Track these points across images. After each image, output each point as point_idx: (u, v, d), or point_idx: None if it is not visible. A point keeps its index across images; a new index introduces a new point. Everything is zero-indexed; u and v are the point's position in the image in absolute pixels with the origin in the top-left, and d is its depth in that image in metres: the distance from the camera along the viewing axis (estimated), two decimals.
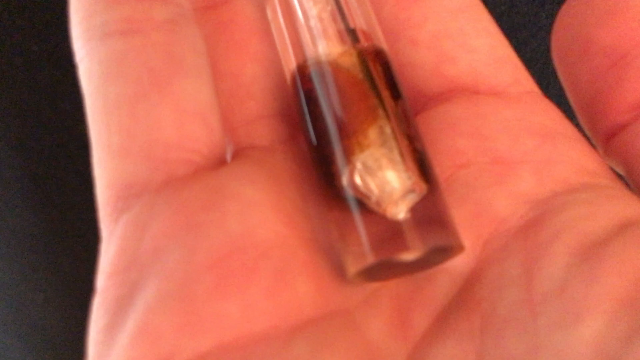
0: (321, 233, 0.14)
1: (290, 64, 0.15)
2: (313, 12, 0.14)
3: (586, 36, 0.15)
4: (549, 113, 0.15)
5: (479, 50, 0.16)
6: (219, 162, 0.14)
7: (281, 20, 0.15)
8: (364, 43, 0.14)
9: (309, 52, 0.14)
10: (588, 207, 0.13)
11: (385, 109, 0.14)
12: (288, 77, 0.15)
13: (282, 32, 0.15)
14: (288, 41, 0.15)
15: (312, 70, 0.14)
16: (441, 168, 0.15)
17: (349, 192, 0.13)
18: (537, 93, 0.16)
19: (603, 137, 0.15)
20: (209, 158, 0.14)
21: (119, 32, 0.13)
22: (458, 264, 0.14)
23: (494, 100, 0.15)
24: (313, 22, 0.14)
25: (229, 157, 0.15)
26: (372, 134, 0.13)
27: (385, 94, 0.14)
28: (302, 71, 0.14)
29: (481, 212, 0.14)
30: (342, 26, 0.14)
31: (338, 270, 0.14)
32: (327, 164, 0.13)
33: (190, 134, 0.13)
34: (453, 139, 0.15)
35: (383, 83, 0.14)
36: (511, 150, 0.15)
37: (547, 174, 0.14)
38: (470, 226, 0.14)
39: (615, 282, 0.12)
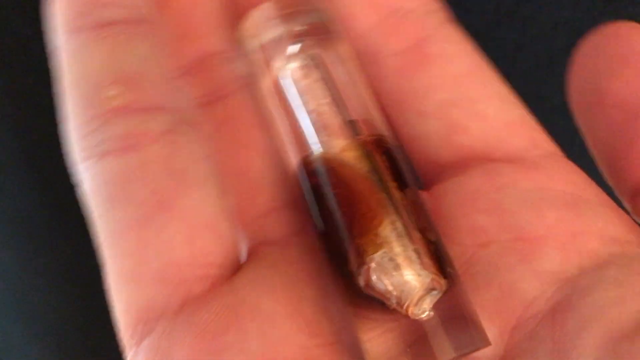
0: (345, 333, 0.14)
1: (293, 158, 0.15)
2: (311, 106, 0.14)
3: (600, 88, 0.14)
4: (570, 177, 0.15)
5: (490, 115, 0.15)
6: (234, 266, 0.14)
7: (281, 114, 0.15)
8: (365, 134, 0.14)
9: (312, 146, 0.14)
10: (617, 290, 0.13)
11: (394, 203, 0.13)
12: (292, 171, 0.15)
13: (282, 125, 0.15)
14: (290, 135, 0.15)
15: (317, 166, 0.14)
16: (462, 248, 0.14)
17: (369, 292, 0.13)
18: (557, 154, 0.15)
19: (628, 195, 0.14)
20: (223, 267, 0.14)
21: (118, 150, 0.13)
22: (487, 354, 0.13)
23: (511, 168, 0.15)
24: (313, 116, 0.14)
25: (243, 252, 0.15)
26: (384, 231, 0.13)
27: (393, 185, 0.14)
28: (307, 166, 0.14)
29: (507, 295, 0.14)
30: (341, 118, 0.14)
31: None
32: (343, 263, 0.13)
33: (203, 248, 0.13)
34: (472, 215, 0.14)
35: (389, 174, 0.14)
36: (533, 225, 0.14)
37: (573, 248, 0.14)
38: (497, 311, 0.13)
39: None
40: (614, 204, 0.15)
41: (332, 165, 0.14)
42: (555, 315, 0.13)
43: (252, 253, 0.15)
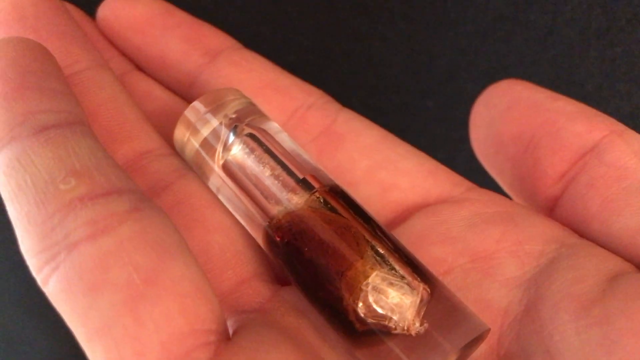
0: None
1: (257, 224, 0.15)
2: (266, 173, 0.15)
3: (496, 131, 0.17)
4: (496, 200, 0.17)
5: (412, 170, 0.18)
6: (227, 332, 0.14)
7: (233, 192, 0.16)
8: (319, 186, 0.15)
9: (276, 209, 0.15)
10: (573, 272, 0.14)
11: (369, 233, 0.14)
12: (259, 237, 0.16)
13: (237, 202, 0.16)
14: (248, 207, 0.16)
15: (288, 221, 0.15)
16: None
17: (368, 320, 0.13)
18: (475, 187, 0.18)
19: (546, 212, 0.17)
20: (219, 332, 0.13)
21: (89, 237, 0.13)
22: None
23: (446, 206, 0.17)
24: (269, 183, 0.15)
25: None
26: (369, 259, 0.14)
27: (359, 220, 0.15)
28: (277, 225, 0.15)
29: (483, 310, 0.15)
30: (294, 179, 0.15)
31: None
32: (335, 303, 0.14)
33: (198, 316, 0.13)
34: (427, 249, 0.16)
35: (352, 212, 0.15)
36: (484, 244, 0.16)
37: (523, 253, 0.15)
38: None
39: (635, 342, 0.12)
40: (539, 214, 0.17)
41: (301, 217, 0.15)
42: (531, 311, 0.14)
43: (237, 320, 0.15)
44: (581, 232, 0.16)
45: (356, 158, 0.18)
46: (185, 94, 0.20)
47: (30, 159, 0.13)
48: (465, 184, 0.18)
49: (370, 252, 0.14)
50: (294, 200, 0.15)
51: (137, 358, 0.12)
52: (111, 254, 0.12)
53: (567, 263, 0.15)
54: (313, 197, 0.15)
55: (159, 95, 0.19)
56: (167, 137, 0.18)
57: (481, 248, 0.16)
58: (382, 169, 0.18)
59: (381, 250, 0.14)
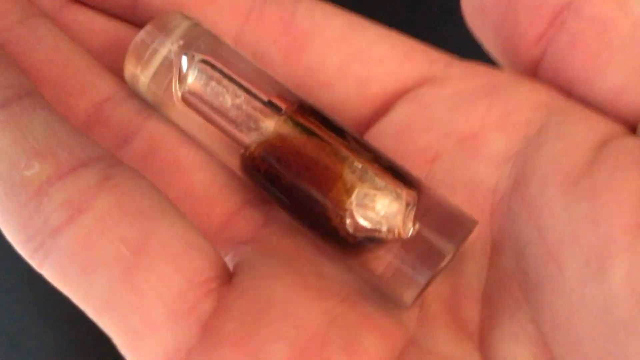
0: (354, 283, 0.14)
1: (231, 155, 0.15)
2: (228, 104, 0.15)
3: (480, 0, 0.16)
4: (477, 72, 0.16)
5: (385, 56, 0.16)
6: (228, 271, 0.14)
7: (200, 125, 0.15)
8: (285, 106, 0.15)
9: (247, 138, 0.15)
10: (561, 143, 0.14)
11: (343, 149, 0.14)
12: (236, 166, 0.15)
13: (207, 134, 0.15)
14: (219, 139, 0.15)
15: (262, 151, 0.14)
16: (417, 170, 0.15)
17: (359, 235, 0.13)
18: (453, 61, 0.17)
19: (530, 75, 0.16)
20: (221, 276, 0.14)
21: (68, 220, 0.12)
22: (477, 247, 0.14)
23: (427, 88, 0.16)
24: (233, 112, 0.15)
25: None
26: (348, 175, 0.14)
27: (332, 136, 0.14)
28: (252, 156, 0.14)
29: (473, 191, 0.15)
30: (259, 103, 0.15)
31: (387, 307, 0.14)
32: (323, 224, 0.14)
33: (195, 269, 0.13)
34: (413, 139, 0.15)
35: (325, 128, 0.14)
36: (468, 122, 0.15)
37: (511, 125, 0.15)
38: (471, 207, 0.14)
39: (621, 215, 0.12)
40: (524, 78, 0.16)
41: (274, 145, 0.14)
42: (520, 186, 0.14)
43: (236, 255, 0.15)
44: (565, 94, 0.15)
45: (325, 56, 0.17)
46: (131, 17, 0.18)
47: None
48: (443, 59, 0.17)
49: (349, 169, 0.14)
50: (264, 125, 0.14)
51: (147, 324, 0.12)
52: (94, 232, 0.12)
53: (555, 132, 0.14)
54: (281, 119, 0.14)
55: (103, 28, 0.18)
56: (122, 71, 0.17)
57: (467, 127, 0.15)
58: (354, 62, 0.16)
59: (359, 165, 0.14)
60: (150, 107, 0.16)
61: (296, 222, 0.15)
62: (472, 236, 0.14)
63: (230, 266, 0.14)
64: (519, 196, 0.14)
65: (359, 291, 0.14)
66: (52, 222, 0.12)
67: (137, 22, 0.18)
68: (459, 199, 0.15)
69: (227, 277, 0.14)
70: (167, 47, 0.15)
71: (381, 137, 0.16)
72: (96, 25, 0.18)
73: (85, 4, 0.18)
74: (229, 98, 0.15)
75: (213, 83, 0.15)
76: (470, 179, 0.15)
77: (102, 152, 0.14)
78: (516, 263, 0.14)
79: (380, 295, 0.14)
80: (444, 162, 0.15)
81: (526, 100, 0.15)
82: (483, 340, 0.14)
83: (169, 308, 0.13)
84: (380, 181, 0.14)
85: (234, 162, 0.15)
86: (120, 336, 0.13)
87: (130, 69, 0.16)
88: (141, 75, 0.16)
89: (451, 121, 0.15)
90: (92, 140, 0.14)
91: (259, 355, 0.13)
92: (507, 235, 0.14)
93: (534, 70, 0.16)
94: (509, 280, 0.14)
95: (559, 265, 0.12)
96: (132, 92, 0.16)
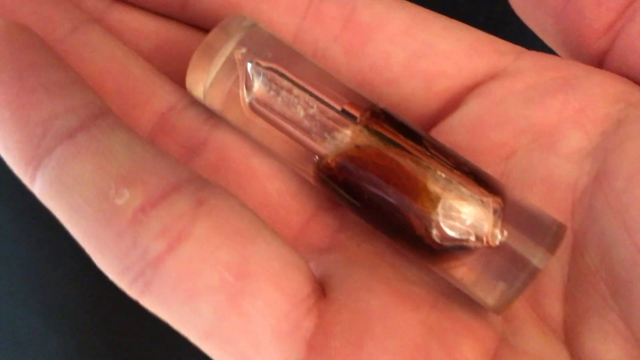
0: (438, 285, 0.14)
1: (304, 164, 0.15)
2: (301, 114, 0.14)
3: None
4: (549, 64, 0.16)
5: (453, 50, 0.16)
6: (320, 289, 0.14)
7: (270, 134, 0.15)
8: (359, 114, 0.14)
9: (323, 149, 0.14)
10: None
11: (425, 157, 0.14)
12: (309, 175, 0.15)
13: (278, 143, 0.15)
14: (292, 148, 0.15)
15: (340, 161, 0.14)
16: (492, 167, 0.15)
17: (446, 244, 0.13)
18: (523, 51, 0.16)
19: (596, 66, 0.15)
20: (316, 291, 0.14)
21: (167, 250, 0.12)
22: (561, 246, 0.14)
23: (498, 83, 0.16)
24: (307, 123, 0.14)
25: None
26: (432, 186, 0.13)
27: (411, 144, 0.14)
28: (329, 166, 0.14)
29: (552, 188, 0.14)
30: (332, 112, 0.14)
31: (474, 307, 0.14)
32: (408, 232, 0.14)
33: (293, 288, 0.13)
34: (487, 135, 0.15)
35: (402, 136, 0.14)
36: (544, 118, 0.15)
37: (587, 120, 0.14)
38: (551, 204, 0.14)
39: None
40: (596, 68, 0.15)
41: (352, 155, 0.14)
42: (602, 182, 0.14)
43: (320, 264, 0.15)
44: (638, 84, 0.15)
45: (390, 51, 0.16)
46: (179, 16, 0.17)
47: (72, 177, 0.12)
48: (513, 50, 0.16)
49: (432, 178, 0.14)
50: (339, 135, 0.14)
51: (255, 347, 0.13)
52: (196, 259, 0.12)
53: (636, 128, 0.14)
54: (357, 129, 0.14)
55: (152, 29, 0.17)
56: (178, 75, 0.16)
57: (543, 123, 0.15)
58: (421, 57, 0.16)
59: (443, 174, 0.14)
60: (215, 114, 0.16)
61: (374, 228, 0.15)
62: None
63: (316, 274, 0.14)
64: (602, 193, 0.14)
65: (446, 294, 0.14)
66: (151, 252, 0.12)
67: (186, 22, 0.17)
68: (537, 196, 0.14)
69: (321, 291, 0.14)
70: (233, 54, 0.15)
71: (452, 133, 0.16)
72: (144, 27, 0.17)
73: (130, 4, 0.17)
74: (302, 108, 0.15)
75: (284, 92, 0.15)
76: (548, 175, 0.15)
77: (189, 173, 0.13)
78: (601, 261, 0.13)
79: (466, 296, 0.14)
80: (520, 159, 0.15)
81: (602, 94, 0.15)
82: (570, 338, 0.14)
83: (275, 330, 0.13)
84: (465, 190, 0.14)
85: (307, 171, 0.15)
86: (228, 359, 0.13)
87: (196, 75, 0.15)
88: (207, 82, 0.15)
89: (526, 117, 0.15)
90: (176, 161, 0.14)
91: None
92: (589, 232, 0.14)
93: (600, 62, 0.16)
94: (594, 278, 0.14)
95: None
96: (193, 100, 0.16)
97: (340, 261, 0.15)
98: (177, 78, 0.16)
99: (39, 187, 0.13)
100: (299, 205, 0.16)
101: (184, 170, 0.13)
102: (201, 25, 0.17)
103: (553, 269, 0.14)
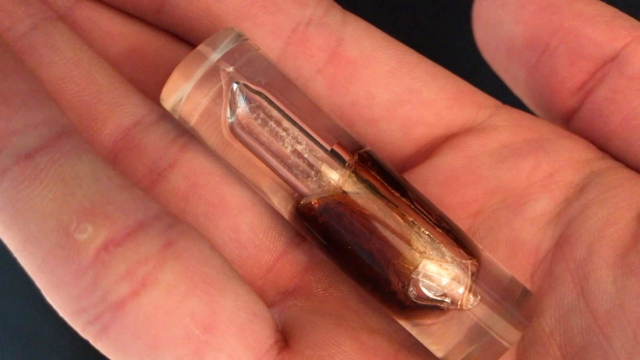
0: (397, 336, 0.14)
1: (282, 199, 0.14)
2: (286, 148, 0.14)
3: (506, 33, 0.16)
4: (523, 123, 0.16)
5: (435, 98, 0.16)
6: (283, 337, 0.14)
7: (248, 164, 0.14)
8: (348, 158, 0.14)
9: (304, 185, 0.14)
10: (603, 210, 0.14)
11: (409, 213, 0.14)
12: (285, 211, 0.14)
13: (255, 174, 0.14)
14: (269, 182, 0.14)
15: (323, 205, 0.14)
16: (460, 223, 0.15)
17: (421, 303, 0.13)
18: (500, 106, 0.16)
19: (562, 122, 0.16)
20: (277, 341, 0.13)
21: (130, 295, 0.11)
22: None
23: (474, 138, 0.16)
24: (292, 159, 0.14)
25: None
26: (415, 243, 0.13)
27: (397, 196, 0.14)
28: (310, 207, 0.14)
29: (516, 250, 0.15)
30: (321, 151, 0.14)
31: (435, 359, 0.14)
32: (382, 285, 0.13)
33: (258, 341, 0.13)
34: (458, 191, 0.15)
35: (389, 187, 0.14)
36: (514, 180, 0.15)
37: (555, 186, 0.15)
38: (513, 265, 0.15)
39: None
40: (564, 130, 0.16)
41: (337, 200, 0.14)
42: (563, 249, 0.14)
43: (284, 309, 0.14)
44: (600, 147, 0.16)
45: (374, 92, 0.16)
46: (153, 21, 0.16)
47: (28, 203, 0.11)
48: (490, 104, 0.16)
49: (415, 237, 0.13)
50: (325, 177, 0.14)
51: None
52: (161, 308, 0.11)
53: (597, 196, 0.14)
54: (345, 174, 0.14)
55: (122, 31, 0.16)
56: (147, 85, 0.15)
57: (513, 185, 0.15)
58: (403, 103, 0.16)
59: (426, 230, 0.14)
60: (186, 132, 0.15)
61: (344, 274, 0.15)
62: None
63: (279, 320, 0.14)
64: (563, 260, 0.14)
65: (406, 345, 0.14)
66: (113, 296, 0.11)
67: (160, 27, 0.16)
68: (500, 256, 0.15)
69: (284, 341, 0.13)
70: (220, 71, 0.14)
71: (424, 183, 0.16)
72: (114, 28, 0.16)
73: (100, 1, 0.16)
74: (289, 142, 0.14)
75: (271, 123, 0.14)
76: (513, 237, 0.15)
77: (158, 208, 0.12)
78: (557, 325, 0.14)
79: (424, 349, 0.14)
80: (487, 217, 0.15)
81: (569, 159, 0.15)
82: None
83: None
84: (447, 251, 0.14)
85: (283, 206, 0.14)
86: None
87: (176, 89, 0.14)
88: (187, 97, 0.14)
89: (497, 177, 0.15)
90: (143, 194, 0.12)
91: None
92: (547, 296, 0.14)
93: (567, 119, 0.16)
94: (548, 341, 0.14)
95: (607, 336, 0.13)
96: (161, 114, 0.15)
97: (306, 308, 0.14)
98: (146, 88, 0.15)
99: None
100: (269, 242, 0.15)
101: (152, 206, 0.12)
102: (176, 33, 0.16)
103: None
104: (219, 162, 0.15)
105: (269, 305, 0.14)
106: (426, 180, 0.16)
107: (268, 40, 0.16)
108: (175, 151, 0.15)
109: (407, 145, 0.16)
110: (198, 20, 0.15)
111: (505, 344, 0.13)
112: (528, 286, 0.15)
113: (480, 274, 0.14)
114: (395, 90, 0.16)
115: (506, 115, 0.16)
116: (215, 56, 0.14)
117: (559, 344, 0.14)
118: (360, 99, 0.16)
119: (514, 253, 0.15)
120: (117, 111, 0.14)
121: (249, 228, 0.15)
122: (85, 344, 0.13)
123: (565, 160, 0.15)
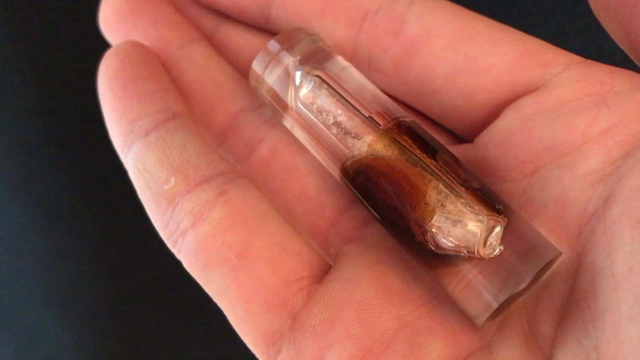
0: (435, 289, 0.16)
1: (335, 164, 0.17)
2: (330, 120, 0.16)
3: None
4: (594, 78, 0.15)
5: (495, 64, 0.16)
6: (323, 269, 0.16)
7: (311, 136, 0.17)
8: (383, 123, 0.16)
9: (345, 154, 0.16)
10: None
11: (431, 171, 0.15)
12: (338, 177, 0.17)
13: (316, 145, 0.17)
14: (325, 150, 0.17)
15: (356, 166, 0.16)
16: (515, 183, 0.16)
17: (441, 252, 0.14)
18: (573, 63, 0.16)
19: None
20: (312, 275, 0.16)
21: (191, 226, 0.16)
22: (564, 264, 0.15)
23: (533, 98, 0.16)
24: (334, 129, 0.16)
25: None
26: (431, 198, 0.15)
27: (423, 156, 0.15)
28: (347, 172, 0.16)
29: (564, 209, 0.15)
30: (359, 119, 0.16)
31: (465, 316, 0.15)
32: (410, 238, 0.15)
33: (288, 270, 0.16)
34: (514, 152, 0.16)
35: (416, 148, 0.15)
36: (569, 137, 0.15)
37: (613, 141, 0.14)
38: (561, 225, 0.15)
39: None
40: None
41: (367, 163, 0.16)
42: (605, 210, 0.14)
43: (337, 254, 0.17)
44: None
45: (433, 65, 0.17)
46: (265, 28, 0.20)
47: (142, 164, 0.17)
48: (561, 61, 0.16)
49: (434, 191, 0.15)
50: (362, 140, 0.16)
51: (248, 313, 0.16)
52: (209, 237, 0.16)
53: None
54: (377, 137, 0.16)
55: (247, 42, 0.20)
56: None
57: (567, 142, 0.15)
58: (462, 71, 0.17)
59: (444, 188, 0.14)
60: (273, 118, 0.19)
61: (385, 230, 0.16)
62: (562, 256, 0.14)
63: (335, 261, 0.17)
64: (603, 220, 0.14)
65: (442, 296, 0.15)
66: (182, 226, 0.16)
67: (272, 33, 0.20)
68: (550, 215, 0.15)
69: (320, 276, 0.16)
70: (286, 61, 0.17)
71: (484, 147, 0.16)
72: (242, 40, 0.20)
73: (236, 20, 0.20)
74: (334, 113, 0.16)
75: (322, 98, 0.17)
76: (562, 196, 0.15)
77: (224, 167, 0.17)
78: (591, 286, 0.14)
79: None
80: (541, 176, 0.15)
81: (636, 113, 0.15)
82: (552, 356, 0.14)
83: (265, 301, 0.15)
84: (461, 206, 0.14)
85: (336, 171, 0.17)
86: (231, 318, 0.16)
87: (254, 79, 0.18)
88: (263, 85, 0.18)
89: (551, 136, 0.15)
90: (217, 157, 0.17)
91: (330, 348, 0.15)
92: (586, 257, 0.14)
93: None
94: (583, 302, 0.14)
95: (619, 298, 0.13)
96: (262, 103, 0.19)
97: (353, 252, 0.17)
98: None
99: (127, 167, 0.17)
100: (332, 200, 0.18)
101: (218, 165, 0.17)
102: None
103: (556, 288, 0.14)
104: (295, 137, 0.18)
105: (333, 250, 0.17)
106: (486, 145, 0.16)
107: (343, 31, 0.18)
108: (266, 130, 0.19)
109: (471, 113, 0.17)
110: (296, 23, 0.19)
111: (522, 284, 0.14)
112: (571, 244, 0.14)
113: (508, 230, 0.14)
114: (452, 60, 0.17)
115: (576, 71, 0.16)
116: (282, 49, 0.17)
117: (590, 307, 0.13)
118: (421, 73, 0.17)
119: (563, 212, 0.15)
120: (229, 102, 0.19)
121: (314, 188, 0.18)
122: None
123: (630, 113, 0.14)
